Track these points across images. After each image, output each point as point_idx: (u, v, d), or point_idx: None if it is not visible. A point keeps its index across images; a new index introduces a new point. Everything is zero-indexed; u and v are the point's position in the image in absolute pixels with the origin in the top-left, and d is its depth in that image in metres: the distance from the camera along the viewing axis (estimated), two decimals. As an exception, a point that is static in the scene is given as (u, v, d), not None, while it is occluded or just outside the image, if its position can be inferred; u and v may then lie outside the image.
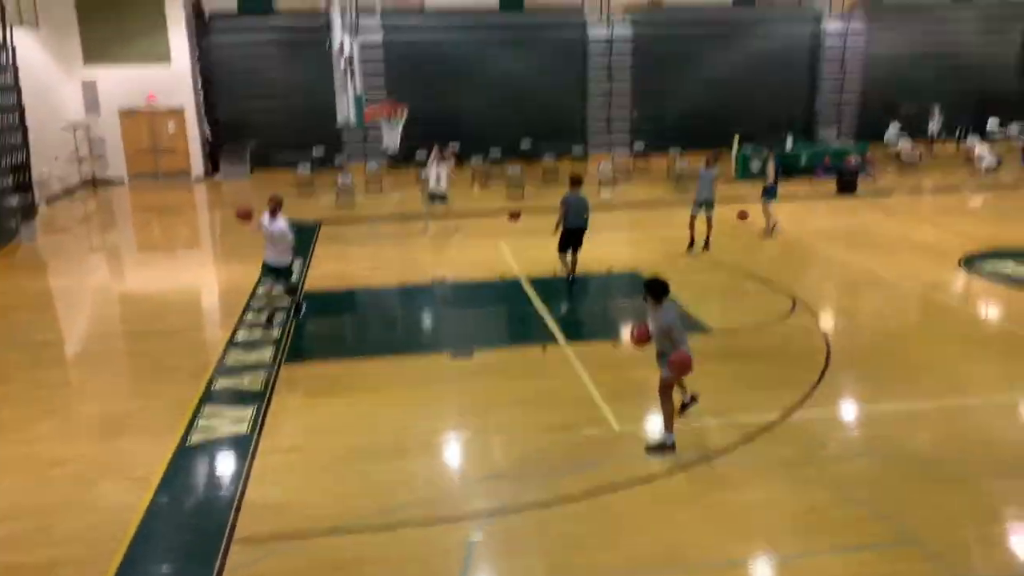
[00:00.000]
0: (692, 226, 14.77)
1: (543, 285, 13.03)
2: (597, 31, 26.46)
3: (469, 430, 8.17)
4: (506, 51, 25.91)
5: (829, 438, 7.94)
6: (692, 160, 21.33)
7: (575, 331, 11.25)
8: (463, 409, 8.64)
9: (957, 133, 26.20)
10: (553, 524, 6.44)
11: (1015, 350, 10.07)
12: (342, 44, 13.87)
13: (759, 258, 14.49)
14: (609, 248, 15.07)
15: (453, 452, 7.84)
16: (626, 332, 10.74)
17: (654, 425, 7.81)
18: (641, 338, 7.51)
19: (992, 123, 26.62)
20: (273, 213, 10.82)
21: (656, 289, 7.37)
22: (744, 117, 25.66)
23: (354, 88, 13.66)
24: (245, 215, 11.04)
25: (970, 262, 13.80)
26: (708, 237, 14.72)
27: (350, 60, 13.50)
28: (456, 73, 25.42)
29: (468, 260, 14.81)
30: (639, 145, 25.65)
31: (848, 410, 8.55)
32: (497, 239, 15.92)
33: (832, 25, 27.25)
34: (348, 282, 13.73)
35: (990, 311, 11.56)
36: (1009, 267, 13.45)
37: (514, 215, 14.22)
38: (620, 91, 26.67)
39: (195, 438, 8.03)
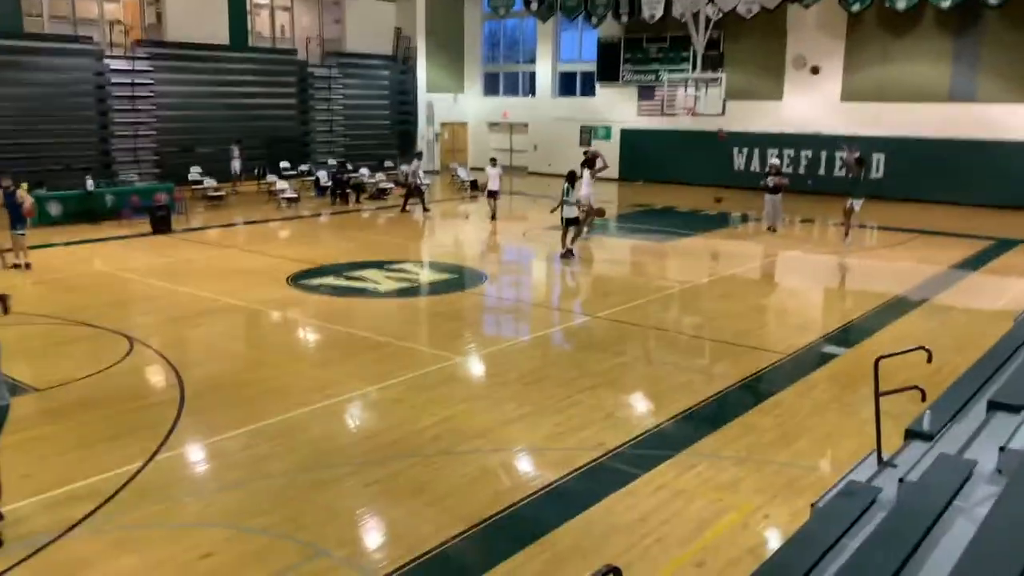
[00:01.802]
0: None
1: None
2: None
3: None
4: None
5: (207, 474, 7.02)
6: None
7: None
8: None
9: (257, 171, 27.56)
10: None
11: (354, 347, 10.56)
12: None
13: (81, 303, 12.58)
14: None
15: None
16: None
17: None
18: None
19: (284, 163, 28.68)
20: None
21: None
22: (31, 158, 22.65)
23: None
24: None
25: (297, 280, 14.28)
26: None
27: None
28: None
29: None
30: None
31: (218, 440, 7.68)
32: None
33: (116, 63, 25.97)
34: None
35: (325, 318, 12.01)
36: (330, 280, 14.35)
37: None
38: None
39: None
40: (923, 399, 5.88)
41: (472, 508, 6.24)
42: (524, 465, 7.22)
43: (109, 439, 7.51)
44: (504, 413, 8.27)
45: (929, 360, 5.27)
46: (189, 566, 5.41)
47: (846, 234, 18.38)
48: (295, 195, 24.61)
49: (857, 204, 18.09)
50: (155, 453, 7.17)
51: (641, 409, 8.60)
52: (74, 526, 5.88)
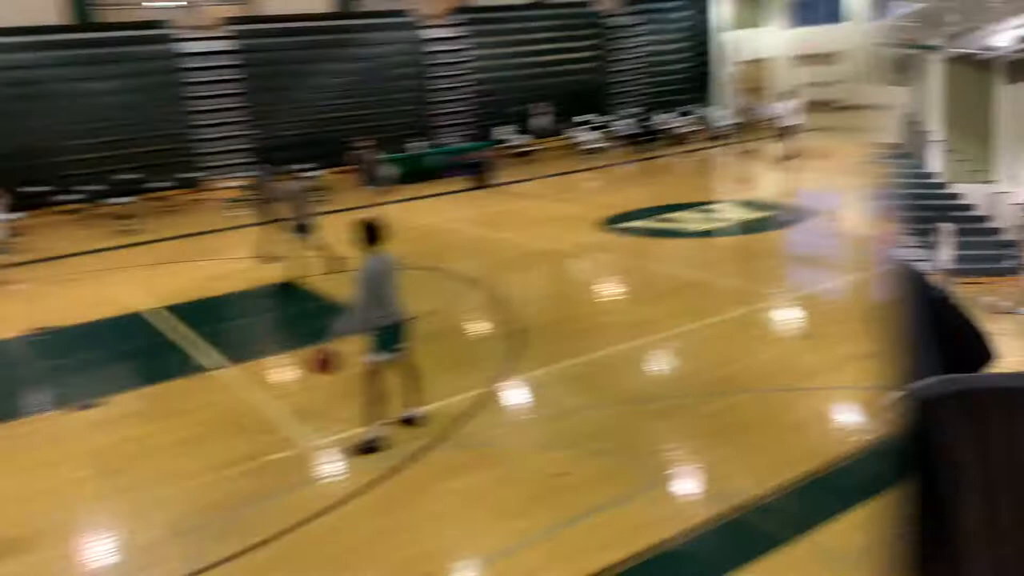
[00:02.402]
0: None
1: (195, 310, 10.99)
2: (192, 44, 24.13)
3: (116, 491, 6.22)
4: (79, 71, 22.41)
5: (549, 398, 7.38)
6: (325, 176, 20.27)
7: (241, 351, 9.50)
8: (105, 467, 6.62)
9: (560, 126, 28.27)
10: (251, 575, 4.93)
11: (672, 285, 10.54)
12: None
13: (418, 250, 13.80)
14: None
15: (100, 523, 5.86)
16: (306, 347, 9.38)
17: (359, 428, 6.60)
18: (322, 366, 6.39)
19: (586, 115, 29.08)
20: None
21: (370, 231, 6.42)
22: (367, 127, 25.20)
23: None
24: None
25: (611, 224, 14.51)
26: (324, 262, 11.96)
27: None
28: (20, 99, 21.46)
29: (82, 303, 12.11)
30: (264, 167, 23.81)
31: (557, 368, 8.03)
32: (119, 275, 13.37)
33: (433, 32, 27.93)
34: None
35: (639, 259, 12.08)
36: (641, 223, 14.41)
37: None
38: (230, 109, 24.64)
39: None
40: None
41: (812, 451, 5.91)
42: (865, 409, 6.69)
43: (460, 366, 8.19)
44: (837, 354, 7.75)
45: None
46: (549, 482, 5.74)
47: None
48: (599, 145, 24.97)
49: None
50: (499, 380, 7.67)
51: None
52: (438, 441, 6.47)
